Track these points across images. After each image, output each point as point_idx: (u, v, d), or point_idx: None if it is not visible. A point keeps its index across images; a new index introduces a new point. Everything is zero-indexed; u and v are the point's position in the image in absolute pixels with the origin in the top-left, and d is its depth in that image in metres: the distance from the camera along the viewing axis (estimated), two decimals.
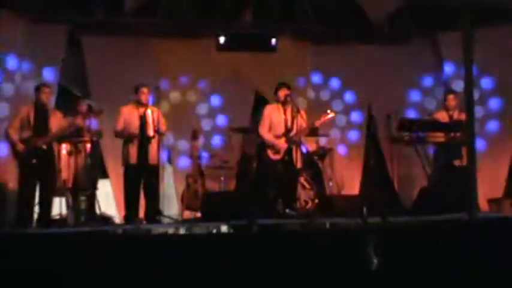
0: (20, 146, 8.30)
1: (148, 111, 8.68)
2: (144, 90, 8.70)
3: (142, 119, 8.63)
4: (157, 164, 8.70)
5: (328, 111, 9.03)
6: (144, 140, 8.59)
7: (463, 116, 9.08)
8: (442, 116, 9.65)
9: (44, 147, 8.38)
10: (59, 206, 9.02)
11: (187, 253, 5.08)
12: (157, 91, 9.19)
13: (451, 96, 9.71)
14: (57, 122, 8.58)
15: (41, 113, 8.48)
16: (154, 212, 8.69)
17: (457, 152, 9.36)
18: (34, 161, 8.29)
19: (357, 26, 10.92)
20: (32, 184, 8.38)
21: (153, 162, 8.63)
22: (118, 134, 8.74)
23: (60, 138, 8.72)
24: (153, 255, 4.92)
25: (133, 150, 8.56)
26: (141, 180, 8.65)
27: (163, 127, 8.74)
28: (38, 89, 8.59)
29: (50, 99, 8.72)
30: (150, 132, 8.63)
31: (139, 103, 8.68)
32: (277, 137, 8.83)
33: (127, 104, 8.82)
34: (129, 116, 8.69)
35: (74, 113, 9.21)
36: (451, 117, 9.56)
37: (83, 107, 9.36)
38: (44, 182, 8.44)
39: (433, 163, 9.71)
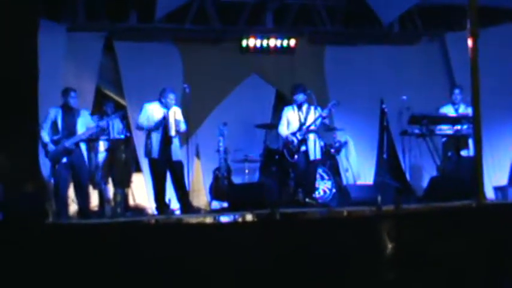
0: (51, 147, 8.35)
1: (170, 113, 8.66)
2: (171, 96, 8.72)
3: (165, 119, 8.62)
4: (179, 160, 8.70)
5: (334, 101, 9.04)
6: (166, 138, 8.60)
7: (469, 110, 9.03)
8: (449, 110, 9.58)
9: (73, 147, 8.42)
10: (98, 199, 9.09)
11: (215, 240, 5.08)
12: (185, 92, 9.21)
13: (457, 91, 9.63)
14: (84, 122, 8.58)
15: (68, 115, 8.50)
16: (185, 203, 8.73)
17: (463, 143, 9.31)
18: (64, 159, 8.34)
19: (369, 27, 10.90)
20: (65, 180, 8.43)
21: (175, 158, 8.64)
22: (141, 127, 8.75)
23: (87, 139, 8.70)
24: (183, 243, 4.94)
25: (155, 145, 8.56)
26: (166, 174, 8.66)
27: (182, 126, 8.75)
28: (65, 92, 8.58)
29: (76, 101, 8.64)
30: (172, 132, 8.63)
31: (164, 105, 8.69)
32: (293, 133, 8.91)
33: (151, 102, 8.82)
34: (152, 113, 8.68)
35: (100, 113, 9.27)
36: (457, 111, 9.49)
37: (108, 107, 9.42)
38: (77, 178, 8.49)
39: (442, 154, 9.66)
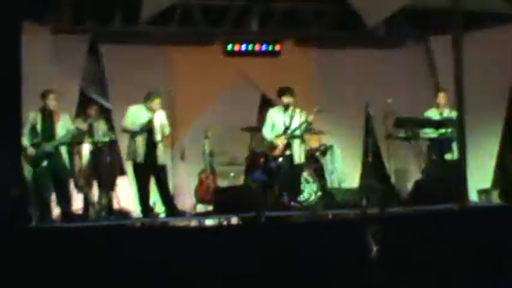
0: (31, 150, 8.29)
1: (156, 117, 8.60)
2: (157, 101, 8.60)
3: (150, 123, 8.56)
4: (164, 164, 8.67)
5: (320, 107, 9.06)
6: (151, 142, 8.56)
7: (453, 114, 9.09)
8: (434, 114, 9.63)
9: (53, 150, 8.35)
10: (82, 202, 9.04)
11: (200, 243, 5.08)
12: (170, 95, 9.20)
13: (441, 95, 9.69)
14: (63, 125, 8.49)
15: (48, 118, 8.41)
16: (170, 207, 8.70)
17: (448, 146, 9.37)
18: (45, 163, 8.29)
19: (355, 31, 10.94)
20: (45, 184, 8.36)
21: (160, 162, 8.61)
22: (126, 129, 8.69)
23: (67, 142, 8.61)
24: (168, 246, 4.93)
25: (140, 149, 8.51)
26: (150, 177, 8.63)
27: (166, 130, 8.72)
28: (43, 94, 8.45)
29: (55, 104, 8.51)
30: (158, 136, 8.60)
31: (149, 109, 8.64)
32: (278, 136, 8.91)
33: (136, 105, 8.79)
34: (136, 117, 8.61)
35: (84, 116, 9.20)
36: (441, 114, 9.54)
37: (91, 110, 9.36)
38: (58, 181, 8.44)
39: (427, 157, 9.70)
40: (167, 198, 8.70)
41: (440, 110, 9.60)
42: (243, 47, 10.84)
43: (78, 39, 10.15)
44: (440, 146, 9.50)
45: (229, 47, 10.79)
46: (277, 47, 10.94)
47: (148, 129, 8.53)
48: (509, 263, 4.98)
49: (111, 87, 10.32)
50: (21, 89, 9.04)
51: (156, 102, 8.62)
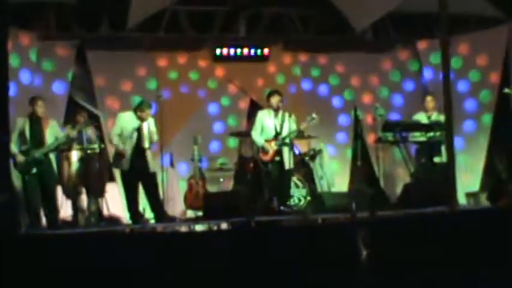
0: (20, 157, 8.27)
1: (145, 125, 8.59)
2: (148, 111, 8.59)
3: (138, 131, 8.54)
4: (153, 171, 8.65)
5: (313, 115, 9.03)
6: (139, 150, 8.55)
7: (441, 117, 9.13)
8: (422, 117, 9.67)
9: (42, 157, 8.34)
10: (71, 209, 9.01)
11: (190, 249, 5.08)
12: (159, 100, 9.20)
13: (429, 99, 9.74)
14: (52, 132, 8.48)
15: (36, 124, 8.38)
16: (159, 213, 8.69)
17: (436, 150, 9.41)
18: (34, 170, 8.28)
19: (344, 36, 10.98)
20: (35, 191, 8.33)
21: (149, 170, 8.61)
22: (113, 140, 8.64)
23: (56, 148, 8.58)
24: (158, 252, 4.93)
25: (127, 156, 8.48)
26: (137, 184, 8.63)
27: (155, 137, 8.71)
28: (32, 101, 8.44)
29: (44, 110, 8.49)
30: (146, 144, 8.59)
31: (139, 117, 8.61)
32: (268, 140, 8.88)
33: (125, 111, 8.78)
34: (126, 124, 8.58)
35: (73, 123, 9.16)
36: (429, 118, 9.59)
37: (80, 117, 9.32)
38: (47, 188, 8.41)
39: (415, 161, 9.74)
40: (156, 205, 8.69)
41: (429, 114, 9.64)
42: (231, 51, 10.84)
43: (65, 45, 10.13)
44: (429, 149, 9.53)
45: (218, 52, 10.79)
46: (266, 52, 10.95)
47: (137, 136, 8.51)
48: (498, 264, 5.02)
49: (98, 94, 10.31)
50: (8, 96, 9.04)
51: (147, 113, 8.61)
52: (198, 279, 4.77)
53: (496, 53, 10.45)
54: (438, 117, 9.39)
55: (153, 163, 8.68)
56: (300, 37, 11.04)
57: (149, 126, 8.64)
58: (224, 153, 10.71)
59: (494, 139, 10.54)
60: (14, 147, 8.17)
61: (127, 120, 8.60)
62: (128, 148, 8.50)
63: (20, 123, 8.32)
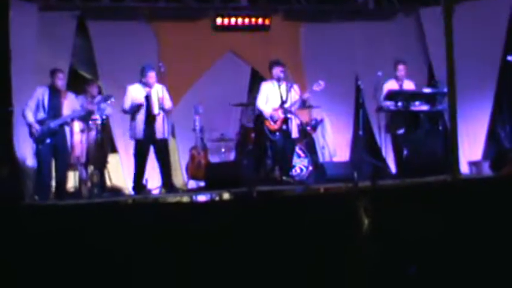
0: (36, 127, 8.29)
1: (153, 91, 8.66)
2: (151, 74, 8.71)
3: (148, 98, 8.63)
4: (164, 137, 8.70)
5: (320, 82, 9.02)
6: (149, 117, 8.59)
7: (411, 85, 9.29)
8: (392, 85, 9.59)
9: (58, 128, 8.38)
10: (73, 180, 9.03)
11: (193, 219, 5.09)
12: (159, 70, 9.18)
13: (400, 67, 9.67)
14: (70, 104, 8.57)
15: (55, 96, 8.47)
16: (169, 181, 8.71)
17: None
18: (48, 140, 8.30)
19: (345, 4, 10.90)
20: (48, 161, 8.39)
21: (160, 136, 8.64)
22: (126, 111, 8.73)
23: (72, 120, 8.68)
24: (160, 222, 4.94)
25: (139, 126, 8.57)
26: (148, 153, 8.65)
27: (167, 103, 8.75)
28: (53, 73, 8.57)
29: (63, 83, 8.66)
30: (155, 110, 8.62)
31: (145, 84, 8.67)
32: (274, 109, 8.90)
33: (133, 84, 8.81)
34: (135, 95, 8.67)
35: (85, 94, 9.24)
36: (400, 86, 9.56)
37: (93, 89, 9.40)
38: (58, 160, 8.48)
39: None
40: (166, 173, 8.73)
41: (400, 82, 9.62)
42: (232, 21, 10.76)
43: (66, 16, 10.06)
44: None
45: (218, 21, 10.72)
46: (267, 21, 10.87)
47: (146, 104, 8.56)
48: (502, 234, 5.02)
49: (100, 64, 10.26)
50: (10, 67, 9.02)
51: (151, 76, 8.68)
52: (199, 250, 4.78)
53: (499, 21, 10.37)
54: (408, 85, 9.38)
55: (164, 129, 8.67)
56: (301, 6, 10.95)
57: (157, 92, 8.66)
58: (226, 124, 10.69)
59: (497, 107, 10.51)
60: (31, 117, 8.25)
61: (136, 91, 8.65)
62: (138, 118, 8.56)
63: (39, 93, 8.43)
